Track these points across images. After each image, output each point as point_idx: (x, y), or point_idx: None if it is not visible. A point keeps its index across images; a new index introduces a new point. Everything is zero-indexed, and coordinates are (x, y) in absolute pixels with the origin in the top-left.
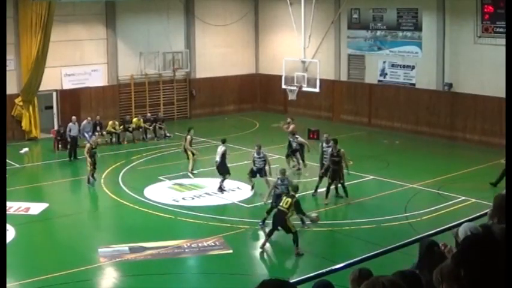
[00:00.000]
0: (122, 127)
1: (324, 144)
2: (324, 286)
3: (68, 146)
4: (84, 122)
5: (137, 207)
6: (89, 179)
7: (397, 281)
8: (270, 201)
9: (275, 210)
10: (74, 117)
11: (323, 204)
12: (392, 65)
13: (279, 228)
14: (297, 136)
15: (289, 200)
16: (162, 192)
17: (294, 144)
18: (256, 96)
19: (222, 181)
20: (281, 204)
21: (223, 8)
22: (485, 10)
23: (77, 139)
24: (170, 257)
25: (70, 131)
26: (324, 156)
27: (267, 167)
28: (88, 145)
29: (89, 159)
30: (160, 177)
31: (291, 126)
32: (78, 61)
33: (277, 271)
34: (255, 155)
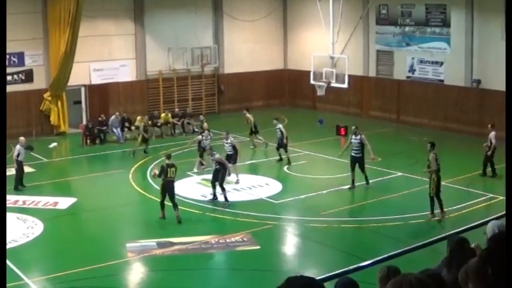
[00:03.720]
0: (150, 122)
1: (353, 136)
2: (347, 284)
3: (16, 174)
4: (113, 117)
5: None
6: (134, 152)
7: (425, 279)
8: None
9: (166, 182)
10: (22, 138)
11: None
12: (421, 61)
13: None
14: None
15: (174, 169)
16: (190, 188)
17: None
18: (284, 92)
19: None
20: (169, 175)
21: (252, 4)
22: None
23: (22, 165)
24: (198, 253)
25: (18, 155)
26: (352, 148)
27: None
28: (144, 121)
29: (141, 136)
30: (189, 173)
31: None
32: (107, 56)
33: (303, 268)
34: (224, 140)
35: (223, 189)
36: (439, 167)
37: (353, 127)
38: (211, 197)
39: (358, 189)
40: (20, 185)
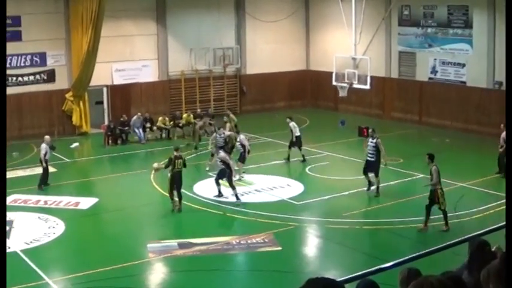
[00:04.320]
0: (172, 123)
1: (369, 139)
2: (368, 286)
3: (43, 173)
4: (135, 117)
5: (186, 203)
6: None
7: (446, 281)
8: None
9: (174, 174)
10: (47, 137)
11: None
12: (443, 63)
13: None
14: (224, 131)
15: (181, 160)
16: (211, 189)
17: (222, 141)
18: (306, 93)
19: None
20: (177, 166)
21: (274, 4)
22: None
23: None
24: (219, 253)
25: (46, 154)
26: (368, 151)
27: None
28: (200, 124)
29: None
30: (210, 173)
31: (227, 126)
32: (129, 56)
33: (325, 269)
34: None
35: (233, 188)
36: (440, 180)
37: (370, 130)
38: (216, 193)
39: (380, 191)
40: (43, 184)
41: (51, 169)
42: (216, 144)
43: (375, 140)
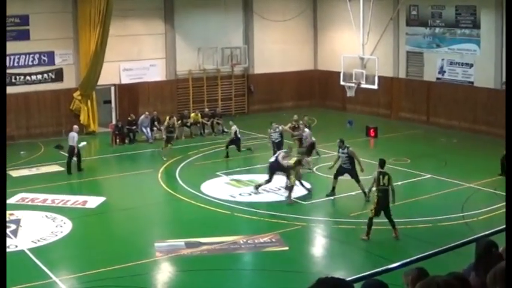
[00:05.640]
0: (179, 122)
1: (340, 150)
2: (374, 286)
3: (70, 158)
4: (142, 116)
5: (194, 202)
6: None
7: (453, 281)
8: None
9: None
10: (76, 126)
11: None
12: (451, 63)
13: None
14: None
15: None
16: (219, 188)
17: (276, 135)
18: (314, 93)
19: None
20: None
21: (282, 4)
22: None
23: (75, 149)
24: (226, 253)
25: (81, 144)
26: (343, 163)
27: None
28: (165, 124)
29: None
30: (218, 173)
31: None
32: (136, 56)
33: (332, 269)
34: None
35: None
36: (383, 187)
37: (338, 140)
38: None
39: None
40: (79, 169)
41: (58, 168)
42: (272, 140)
43: (345, 150)
